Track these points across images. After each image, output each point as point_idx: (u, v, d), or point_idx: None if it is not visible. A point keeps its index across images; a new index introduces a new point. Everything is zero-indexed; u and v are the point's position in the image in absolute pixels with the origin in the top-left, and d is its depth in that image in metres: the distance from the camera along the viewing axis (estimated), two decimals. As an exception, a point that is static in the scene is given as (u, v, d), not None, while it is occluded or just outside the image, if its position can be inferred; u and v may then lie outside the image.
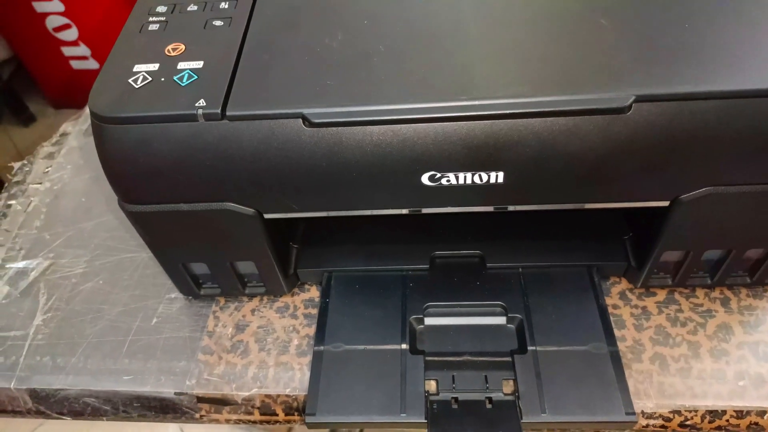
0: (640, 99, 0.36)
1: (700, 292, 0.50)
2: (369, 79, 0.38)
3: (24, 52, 1.71)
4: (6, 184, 0.65)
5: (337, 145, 0.38)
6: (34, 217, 0.61)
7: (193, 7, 0.45)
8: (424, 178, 0.39)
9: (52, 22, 1.59)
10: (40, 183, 0.64)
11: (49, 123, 1.80)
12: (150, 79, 0.40)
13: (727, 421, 0.44)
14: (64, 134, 0.70)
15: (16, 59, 1.77)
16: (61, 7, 1.55)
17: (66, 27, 1.60)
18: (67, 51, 1.67)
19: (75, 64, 1.70)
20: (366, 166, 0.39)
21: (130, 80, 0.40)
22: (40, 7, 1.56)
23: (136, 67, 0.41)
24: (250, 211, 0.42)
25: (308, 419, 0.43)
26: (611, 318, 0.48)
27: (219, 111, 0.37)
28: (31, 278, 0.56)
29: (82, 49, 1.65)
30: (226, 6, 0.45)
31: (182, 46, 0.42)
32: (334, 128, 0.38)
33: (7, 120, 1.80)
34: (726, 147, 0.37)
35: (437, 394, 0.44)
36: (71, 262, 0.57)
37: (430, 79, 0.38)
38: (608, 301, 0.50)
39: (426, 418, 0.42)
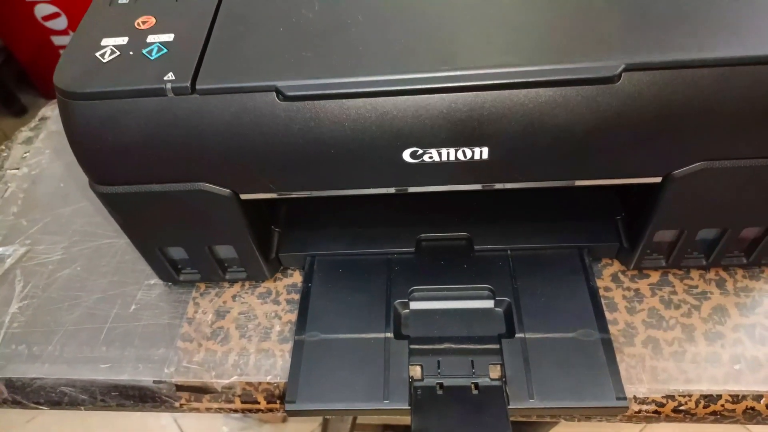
0: (629, 68, 0.34)
1: (694, 274, 0.48)
2: (346, 50, 0.37)
3: (13, 43, 1.68)
4: (-17, 171, 0.63)
5: (313, 119, 0.36)
6: (11, 203, 0.59)
7: (165, -21, 0.43)
8: (406, 155, 0.38)
9: (41, 11, 1.57)
10: (18, 169, 0.63)
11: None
12: (118, 53, 0.38)
13: (723, 405, 0.43)
14: (43, 119, 0.68)
15: (6, 50, 1.75)
16: (50, -4, 1.53)
17: (55, 16, 1.58)
18: (56, 40, 1.64)
19: (66, 54, 1.68)
20: (344, 142, 0.37)
21: (97, 54, 0.38)
22: (28, -4, 1.53)
23: (104, 41, 0.39)
24: (225, 191, 0.40)
25: (288, 407, 0.41)
26: (603, 301, 0.46)
27: (188, 85, 0.36)
28: (6, 265, 0.54)
29: (72, 38, 1.63)
30: (200, -23, 0.43)
31: (153, 19, 0.40)
32: (309, 102, 0.36)
33: (-2, 111, 1.78)
34: (721, 118, 0.35)
35: (422, 379, 0.42)
36: (48, 248, 0.55)
37: (410, 49, 0.36)
38: (600, 283, 0.48)
39: (409, 405, 0.41)
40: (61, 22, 1.59)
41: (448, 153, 0.38)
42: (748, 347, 0.44)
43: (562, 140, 0.36)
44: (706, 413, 0.43)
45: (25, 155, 0.64)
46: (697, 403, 0.43)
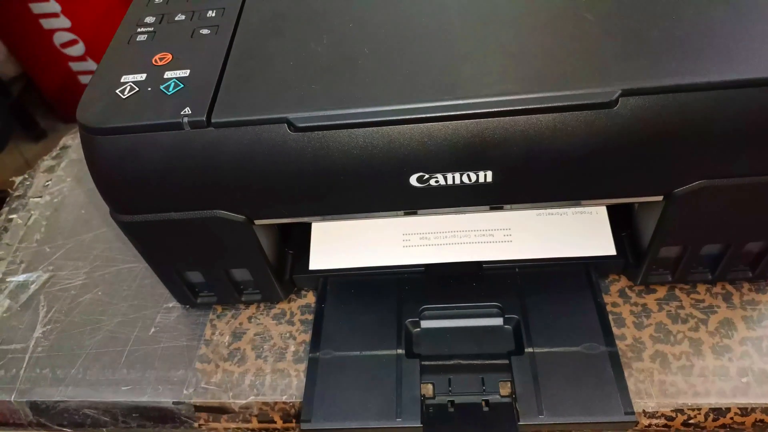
0: (626, 93, 0.35)
1: (701, 288, 0.49)
2: (354, 82, 0.38)
3: (33, 69, 1.73)
4: (8, 199, 0.66)
5: (323, 149, 0.38)
6: (34, 231, 0.62)
7: (180, 17, 0.45)
8: (413, 180, 0.39)
9: (59, 38, 1.62)
10: (41, 196, 0.65)
11: (59, 138, 1.82)
12: (137, 89, 0.40)
13: (732, 418, 0.43)
14: (65, 147, 0.70)
15: (26, 76, 1.79)
16: (68, 23, 1.57)
17: (73, 43, 1.63)
18: (74, 66, 1.69)
19: (83, 79, 1.72)
20: (353, 169, 0.39)
21: (117, 91, 0.40)
22: (47, 24, 1.58)
23: (124, 78, 0.41)
24: (239, 217, 0.42)
25: (303, 426, 0.43)
26: (610, 316, 0.47)
27: (204, 118, 0.37)
28: (31, 291, 0.56)
29: (90, 64, 1.67)
30: (213, 14, 0.45)
31: (169, 56, 0.42)
32: (319, 132, 0.37)
33: (19, 136, 1.82)
34: (717, 139, 0.36)
35: (433, 397, 0.43)
36: (71, 274, 0.57)
37: (415, 79, 0.38)
38: (607, 299, 0.49)
39: (422, 423, 0.42)
40: (78, 49, 1.63)
41: (453, 177, 0.39)
42: (756, 360, 0.45)
43: (563, 163, 0.37)
44: (715, 426, 0.44)
45: (47, 183, 0.66)
46: (706, 416, 0.43)
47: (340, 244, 0.49)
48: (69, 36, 1.61)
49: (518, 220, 0.49)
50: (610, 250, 0.47)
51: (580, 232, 0.48)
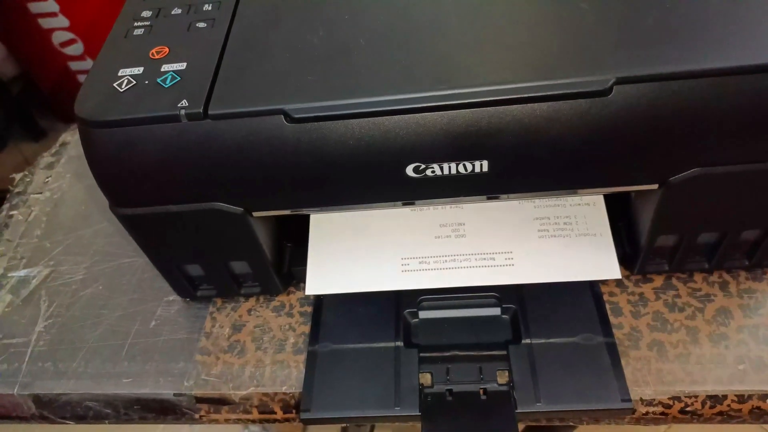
0: (620, 81, 0.35)
1: (698, 277, 0.49)
2: (349, 73, 0.39)
3: (32, 68, 1.73)
4: (8, 195, 0.66)
5: (320, 140, 0.38)
6: (34, 227, 0.62)
7: (177, 11, 0.45)
8: (409, 170, 0.39)
9: (58, 38, 1.61)
10: (41, 193, 0.65)
11: (59, 138, 1.82)
12: (134, 82, 0.40)
13: (729, 406, 0.43)
14: (64, 144, 0.71)
15: (25, 75, 1.80)
16: (67, 23, 1.57)
17: (72, 42, 1.62)
18: (73, 65, 1.69)
19: (82, 79, 1.72)
20: (349, 160, 0.39)
21: (115, 84, 0.40)
22: (46, 23, 1.58)
23: (121, 72, 0.41)
24: (237, 209, 0.42)
25: (303, 415, 0.43)
26: (607, 305, 0.47)
27: (201, 110, 0.38)
28: (32, 286, 0.57)
29: (89, 63, 1.67)
30: (210, 8, 0.45)
31: (166, 49, 0.42)
32: (315, 123, 0.38)
33: (18, 136, 1.82)
34: (711, 126, 0.36)
35: (432, 386, 0.44)
36: (71, 268, 0.58)
37: (410, 70, 0.38)
38: (604, 288, 0.49)
39: (420, 411, 0.42)
40: (77, 48, 1.63)
41: (449, 167, 0.39)
42: (753, 348, 0.45)
43: (559, 152, 0.38)
44: (712, 413, 0.44)
45: (47, 180, 0.67)
46: (703, 403, 0.44)
47: (337, 268, 0.47)
48: (67, 35, 1.61)
49: (521, 243, 0.46)
50: (615, 273, 0.44)
51: (584, 254, 0.45)
